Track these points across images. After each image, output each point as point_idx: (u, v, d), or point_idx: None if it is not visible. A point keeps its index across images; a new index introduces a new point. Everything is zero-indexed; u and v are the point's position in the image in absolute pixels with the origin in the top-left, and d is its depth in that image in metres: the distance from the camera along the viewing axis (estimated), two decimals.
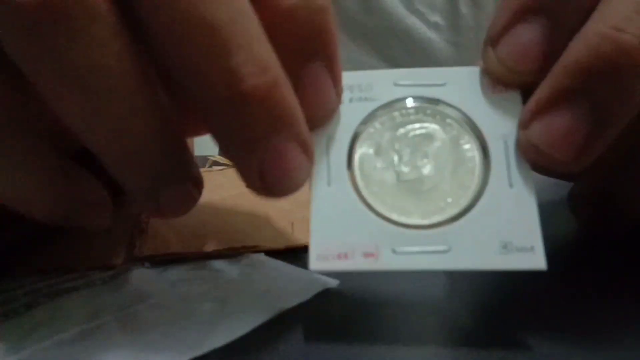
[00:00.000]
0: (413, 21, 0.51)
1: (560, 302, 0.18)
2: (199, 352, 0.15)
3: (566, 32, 0.15)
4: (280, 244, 0.21)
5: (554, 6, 0.15)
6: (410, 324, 0.17)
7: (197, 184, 0.17)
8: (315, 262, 0.15)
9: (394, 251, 0.15)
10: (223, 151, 0.16)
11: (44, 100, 0.14)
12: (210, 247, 0.21)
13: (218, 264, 0.20)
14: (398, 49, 0.52)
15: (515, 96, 0.16)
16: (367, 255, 0.15)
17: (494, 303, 0.18)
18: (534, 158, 0.15)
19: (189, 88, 0.14)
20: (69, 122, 0.14)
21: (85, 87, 0.13)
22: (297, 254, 0.21)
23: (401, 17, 0.51)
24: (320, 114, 0.16)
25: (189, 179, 0.16)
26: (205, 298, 0.18)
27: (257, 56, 0.14)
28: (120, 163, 0.15)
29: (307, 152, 0.15)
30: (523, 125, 0.16)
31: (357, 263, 0.15)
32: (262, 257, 0.21)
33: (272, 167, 0.15)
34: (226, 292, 0.18)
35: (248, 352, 0.15)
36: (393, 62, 0.52)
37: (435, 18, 0.52)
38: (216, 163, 0.33)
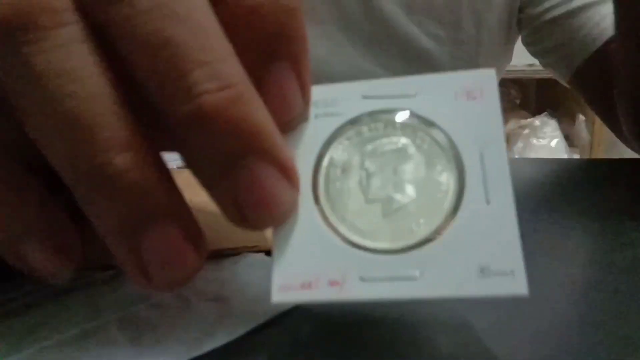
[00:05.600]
0: (413, 30, 0.51)
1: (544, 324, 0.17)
2: (198, 352, 0.15)
3: None
4: None
5: None
6: (401, 334, 0.17)
7: (193, 238, 0.14)
8: (277, 293, 0.14)
9: (361, 279, 0.14)
10: (198, 180, 0.14)
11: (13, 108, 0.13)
12: (210, 247, 0.21)
13: (218, 264, 0.20)
14: (397, 58, 0.52)
15: (491, 103, 0.15)
16: (332, 283, 0.14)
17: (473, 324, 0.17)
18: None
19: (153, 108, 0.13)
20: (31, 133, 0.13)
21: (48, 91, 0.13)
22: None
23: (401, 25, 0.51)
24: (285, 119, 0.15)
25: (177, 222, 0.14)
26: (205, 298, 0.18)
27: (219, 72, 0.13)
28: (86, 188, 0.13)
29: (289, 177, 0.14)
30: None
31: (321, 293, 0.14)
32: (262, 257, 0.21)
33: (248, 196, 0.13)
34: (226, 292, 0.18)
35: (247, 352, 0.15)
36: (391, 70, 0.52)
37: (437, 30, 0.52)
38: None
